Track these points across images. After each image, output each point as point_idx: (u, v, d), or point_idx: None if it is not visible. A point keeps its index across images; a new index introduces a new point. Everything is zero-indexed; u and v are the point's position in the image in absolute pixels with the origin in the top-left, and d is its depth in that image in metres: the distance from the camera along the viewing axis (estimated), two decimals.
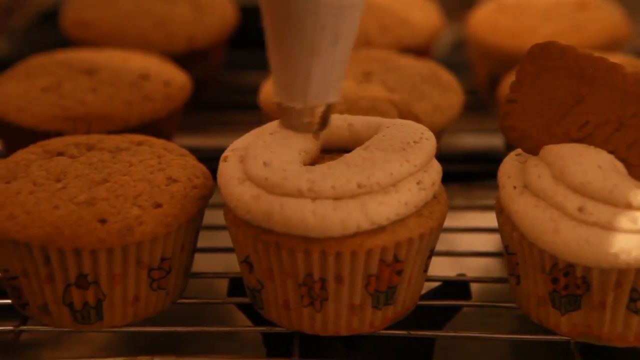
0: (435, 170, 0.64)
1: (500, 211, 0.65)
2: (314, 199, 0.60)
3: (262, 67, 0.96)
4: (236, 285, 0.73)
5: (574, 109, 0.62)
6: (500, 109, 0.66)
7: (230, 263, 0.75)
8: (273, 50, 0.61)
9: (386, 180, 0.60)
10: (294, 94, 0.61)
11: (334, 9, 0.58)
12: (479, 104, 0.98)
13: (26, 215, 0.61)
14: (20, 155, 0.67)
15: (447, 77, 0.82)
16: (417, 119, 0.74)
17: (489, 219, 0.80)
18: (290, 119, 0.63)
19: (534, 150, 0.64)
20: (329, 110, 0.63)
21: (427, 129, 0.65)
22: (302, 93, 0.61)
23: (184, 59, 0.90)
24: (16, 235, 0.61)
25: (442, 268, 0.74)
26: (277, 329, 0.65)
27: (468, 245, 0.80)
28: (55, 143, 0.69)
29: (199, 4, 0.96)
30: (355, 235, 0.60)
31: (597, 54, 0.63)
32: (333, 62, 0.60)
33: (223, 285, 0.76)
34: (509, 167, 0.65)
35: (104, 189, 0.63)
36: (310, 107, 0.62)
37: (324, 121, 0.63)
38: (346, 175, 0.60)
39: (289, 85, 0.61)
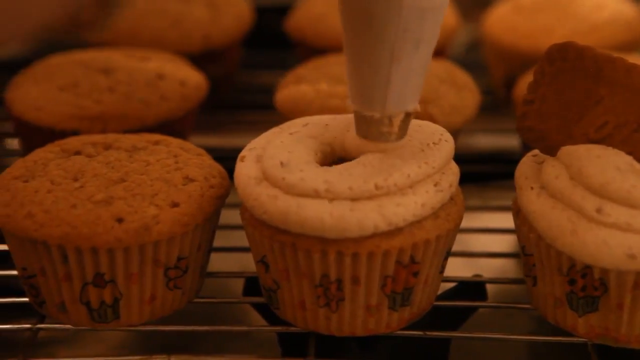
0: (453, 172, 0.64)
1: (517, 212, 0.64)
2: (331, 199, 0.60)
3: (277, 66, 0.97)
4: (252, 285, 0.73)
5: (592, 109, 0.62)
6: (517, 110, 0.66)
7: (245, 262, 0.75)
8: (351, 56, 0.58)
9: (403, 181, 0.60)
10: (372, 102, 0.59)
11: (416, 11, 0.56)
12: (495, 104, 0.98)
13: (44, 214, 0.61)
14: (38, 154, 0.68)
15: (464, 77, 0.82)
16: (433, 120, 0.74)
17: (505, 220, 0.80)
18: (367, 128, 0.60)
19: (551, 151, 0.63)
20: (407, 119, 0.60)
21: (445, 130, 0.65)
22: (380, 101, 0.58)
23: (199, 58, 0.90)
24: (34, 233, 0.61)
25: (457, 269, 0.74)
26: (293, 329, 0.65)
27: (483, 246, 0.80)
28: (72, 142, 0.69)
29: (215, 3, 0.96)
30: (372, 236, 0.60)
31: (615, 54, 0.63)
32: (413, 67, 0.58)
33: (238, 284, 0.77)
34: (526, 168, 0.65)
35: (121, 188, 0.63)
36: (388, 116, 0.59)
37: (403, 131, 0.60)
38: (363, 177, 0.60)
39: (367, 92, 0.58)
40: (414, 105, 0.60)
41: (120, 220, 0.61)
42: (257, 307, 0.72)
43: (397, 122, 0.60)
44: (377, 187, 0.60)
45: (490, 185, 0.88)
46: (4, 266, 0.75)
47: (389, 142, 0.61)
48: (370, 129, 0.60)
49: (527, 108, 0.64)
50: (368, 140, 0.61)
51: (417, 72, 0.59)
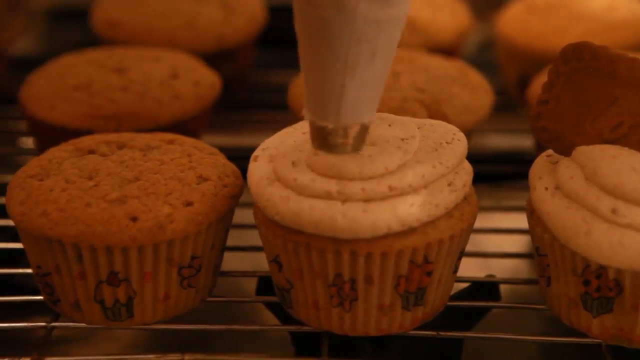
0: (466, 171, 0.64)
1: (531, 213, 0.64)
2: (343, 201, 0.60)
3: (290, 66, 0.96)
4: (264, 284, 0.73)
5: (608, 109, 0.62)
6: (531, 110, 0.66)
7: (258, 262, 0.75)
8: (305, 65, 0.56)
9: (418, 182, 0.60)
10: (326, 112, 0.57)
11: (371, 22, 0.54)
12: (507, 104, 0.97)
13: (59, 212, 0.62)
14: (53, 153, 0.68)
15: (477, 77, 0.82)
16: (446, 119, 0.74)
17: (517, 220, 0.80)
18: (321, 139, 0.59)
19: (566, 151, 0.63)
20: (363, 130, 0.58)
21: (458, 129, 0.65)
22: (334, 111, 0.57)
23: (212, 58, 0.91)
24: (49, 232, 0.61)
25: (470, 269, 0.74)
26: (306, 328, 0.65)
27: (496, 246, 0.80)
28: (86, 141, 0.69)
29: (228, 3, 0.96)
30: (386, 236, 0.60)
31: (630, 54, 0.63)
32: (369, 78, 0.56)
33: (250, 283, 0.77)
34: (540, 168, 0.64)
35: (135, 187, 0.63)
36: (343, 127, 0.57)
37: (359, 143, 0.58)
38: (377, 178, 0.60)
39: (321, 102, 0.57)
40: (370, 117, 0.58)
41: (134, 219, 0.61)
42: (270, 306, 0.72)
43: (352, 133, 0.58)
44: (391, 188, 0.60)
45: (503, 186, 0.87)
46: (18, 264, 0.75)
47: (344, 154, 0.59)
48: (325, 139, 0.58)
49: (541, 108, 0.64)
50: (323, 150, 0.59)
51: (374, 83, 0.57)
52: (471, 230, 0.64)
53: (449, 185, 0.62)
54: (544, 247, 0.63)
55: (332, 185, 0.60)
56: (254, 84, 1.03)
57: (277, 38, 1.05)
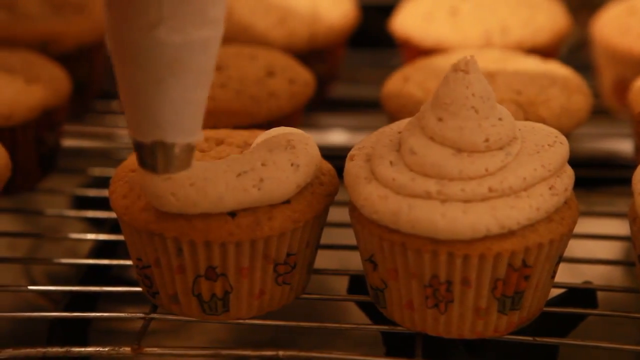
0: (568, 175, 0.63)
1: (634, 219, 0.63)
2: (443, 201, 0.59)
3: (382, 66, 0.97)
4: (355, 283, 0.73)
5: None
6: (634, 114, 0.64)
7: (346, 260, 0.76)
8: (118, 77, 0.57)
9: (519, 185, 0.59)
10: (136, 126, 0.58)
11: (177, 45, 0.55)
12: (602, 107, 0.95)
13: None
14: None
15: (576, 79, 0.80)
16: (543, 122, 0.73)
17: (611, 226, 0.78)
18: (137, 155, 0.60)
19: None
20: (168, 151, 0.59)
21: (559, 132, 0.64)
22: (141, 126, 0.58)
23: (305, 56, 0.91)
24: (151, 225, 0.62)
25: (561, 274, 0.73)
26: (399, 329, 0.65)
27: (588, 252, 0.78)
28: None
29: (321, 2, 0.96)
30: (484, 238, 0.59)
31: None
32: (176, 97, 0.57)
33: (339, 282, 0.77)
34: None
35: None
36: (150, 144, 0.58)
37: (166, 164, 0.59)
38: (477, 179, 0.59)
39: (131, 115, 0.58)
40: (179, 138, 0.59)
41: (233, 215, 0.62)
42: (361, 305, 0.72)
43: (159, 152, 0.59)
44: (491, 189, 0.59)
45: (596, 190, 0.86)
46: (116, 256, 0.77)
47: (155, 174, 0.60)
48: (138, 156, 0.60)
49: None
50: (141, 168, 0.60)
51: (181, 101, 0.58)
52: (571, 235, 0.63)
53: (550, 188, 0.61)
54: None
55: (431, 185, 0.60)
56: (345, 83, 1.03)
57: (370, 37, 1.06)
